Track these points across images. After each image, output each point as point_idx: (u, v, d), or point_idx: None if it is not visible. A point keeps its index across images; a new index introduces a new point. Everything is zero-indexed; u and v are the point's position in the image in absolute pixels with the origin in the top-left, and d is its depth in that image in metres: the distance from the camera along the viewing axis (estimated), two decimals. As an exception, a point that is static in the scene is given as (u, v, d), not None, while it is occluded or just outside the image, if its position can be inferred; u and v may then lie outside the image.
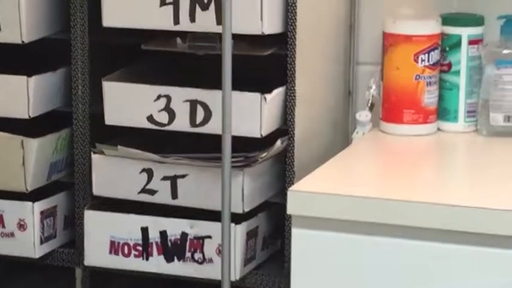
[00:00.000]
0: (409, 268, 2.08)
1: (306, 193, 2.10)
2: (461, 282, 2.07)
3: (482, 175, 2.28)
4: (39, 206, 2.47)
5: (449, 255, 2.05)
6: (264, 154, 2.33)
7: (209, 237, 2.36)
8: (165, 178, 2.39)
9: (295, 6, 2.29)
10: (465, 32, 2.49)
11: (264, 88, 2.30)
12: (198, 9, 2.29)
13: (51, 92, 2.52)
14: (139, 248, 2.42)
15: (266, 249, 2.47)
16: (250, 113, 2.29)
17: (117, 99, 2.40)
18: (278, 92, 2.33)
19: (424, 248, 2.06)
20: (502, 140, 2.46)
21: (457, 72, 2.51)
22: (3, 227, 2.48)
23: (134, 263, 2.43)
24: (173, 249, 2.39)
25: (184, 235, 2.38)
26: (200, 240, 2.37)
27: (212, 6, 2.28)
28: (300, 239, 2.11)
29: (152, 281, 2.52)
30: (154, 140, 2.45)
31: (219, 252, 2.31)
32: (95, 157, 2.44)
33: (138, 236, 2.41)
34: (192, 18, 2.30)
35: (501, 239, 1.99)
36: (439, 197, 2.10)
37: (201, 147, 2.39)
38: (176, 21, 2.31)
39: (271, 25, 2.28)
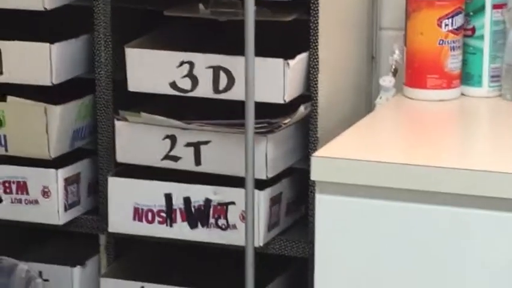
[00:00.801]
0: (433, 234, 2.08)
1: (329, 159, 2.10)
2: (486, 248, 2.07)
3: (506, 140, 2.27)
4: (63, 173, 2.48)
5: (473, 221, 2.05)
6: (288, 120, 2.33)
7: (233, 203, 2.36)
8: (188, 144, 2.39)
9: None
10: None
11: (287, 54, 2.29)
12: None
13: (73, 59, 2.52)
14: (163, 215, 2.43)
15: (290, 215, 2.47)
16: (274, 79, 2.29)
17: (140, 65, 2.41)
18: (301, 58, 2.32)
19: (448, 213, 2.06)
20: None
21: (481, 37, 2.50)
22: (27, 194, 2.49)
23: (158, 230, 2.45)
24: (197, 216, 2.40)
25: (207, 201, 2.39)
26: (224, 207, 2.38)
27: None
28: (324, 205, 2.11)
29: (176, 247, 2.54)
30: (177, 107, 2.44)
31: (243, 218, 2.31)
32: (118, 124, 2.45)
33: (161, 202, 2.42)
34: None
35: None
36: (463, 162, 2.10)
37: (224, 113, 2.39)
38: None
39: None
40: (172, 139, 2.40)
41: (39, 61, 2.45)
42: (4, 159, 2.52)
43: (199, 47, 2.40)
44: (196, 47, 2.40)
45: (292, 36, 2.39)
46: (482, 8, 2.49)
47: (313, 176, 2.11)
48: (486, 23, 2.50)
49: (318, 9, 2.31)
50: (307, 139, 2.38)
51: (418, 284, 2.11)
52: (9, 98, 2.48)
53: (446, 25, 2.45)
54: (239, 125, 2.28)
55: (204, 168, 2.39)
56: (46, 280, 2.45)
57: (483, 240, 2.04)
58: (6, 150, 2.49)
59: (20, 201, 2.51)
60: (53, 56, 2.44)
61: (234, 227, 2.38)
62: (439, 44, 2.46)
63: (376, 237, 2.11)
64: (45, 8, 2.40)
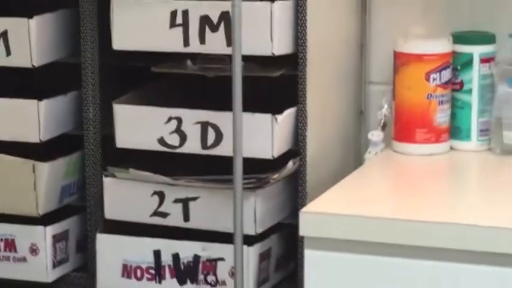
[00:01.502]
0: None
1: (318, 214, 2.11)
2: None
3: (496, 194, 2.27)
4: (51, 230, 2.48)
5: (462, 275, 2.06)
6: (276, 175, 2.33)
7: (222, 259, 2.36)
8: (176, 201, 2.40)
9: (305, 26, 2.32)
10: (476, 50, 2.50)
11: (275, 109, 2.32)
12: (207, 30, 2.31)
13: (62, 115, 2.54)
14: (152, 272, 2.43)
15: (279, 271, 2.48)
16: (262, 134, 2.30)
17: (128, 121, 2.42)
18: (289, 113, 2.34)
19: (437, 268, 2.07)
20: None
21: (469, 91, 2.52)
22: (15, 251, 2.49)
23: (147, 287, 2.46)
24: (186, 272, 2.40)
25: (196, 258, 2.39)
26: (213, 263, 2.38)
27: (222, 27, 2.30)
28: (313, 261, 2.11)
29: None
30: (165, 163, 2.46)
31: (232, 274, 2.31)
32: (106, 180, 2.46)
33: (150, 259, 2.43)
34: (202, 40, 2.32)
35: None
36: (452, 216, 2.10)
37: (212, 169, 2.39)
38: (186, 43, 2.33)
39: (281, 46, 2.29)
40: (161, 195, 2.41)
41: (27, 118, 2.46)
42: None
43: (187, 102, 2.42)
44: (184, 102, 2.41)
45: (280, 91, 2.41)
46: (470, 62, 2.51)
47: (302, 232, 2.09)
48: (474, 77, 2.52)
49: (305, 65, 2.33)
50: (295, 194, 2.39)
51: None
52: (1, 156, 2.48)
53: (434, 79, 2.47)
54: (227, 180, 2.27)
55: (192, 224, 2.40)
56: None
57: None
58: None
59: (8, 258, 2.51)
60: (41, 113, 2.45)
61: (224, 283, 2.38)
62: (428, 98, 2.48)
63: None
64: (33, 65, 2.43)
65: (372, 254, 2.08)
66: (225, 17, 2.28)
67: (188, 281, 2.41)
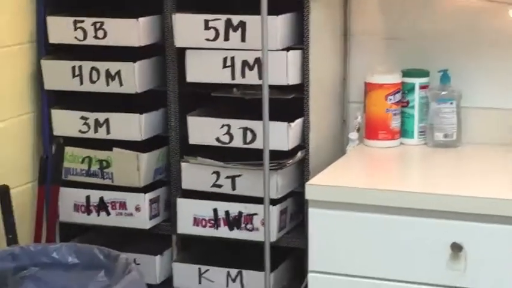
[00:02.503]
0: (384, 232, 2.08)
1: (317, 186, 2.15)
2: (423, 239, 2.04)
3: (430, 171, 2.32)
4: (149, 196, 2.49)
5: (412, 223, 2.04)
6: (290, 161, 2.36)
7: (256, 214, 2.37)
8: (227, 177, 2.40)
9: (308, 67, 2.32)
10: (417, 81, 2.49)
11: (289, 119, 2.33)
12: (246, 69, 2.31)
13: (154, 123, 2.53)
14: (212, 222, 2.43)
15: (292, 221, 2.48)
16: (281, 135, 2.31)
17: (197, 127, 2.42)
18: (298, 122, 2.35)
19: (397, 220, 2.07)
20: (441, 149, 2.46)
21: (412, 107, 2.51)
22: (126, 209, 2.50)
23: (209, 232, 2.45)
24: (233, 222, 2.41)
25: (240, 213, 2.40)
26: (250, 216, 2.39)
27: (256, 67, 2.29)
28: (313, 215, 2.14)
29: (220, 242, 2.51)
30: (220, 153, 2.44)
31: (263, 223, 2.32)
32: (183, 164, 2.45)
33: (211, 214, 2.43)
34: (243, 75, 2.32)
35: (437, 213, 2.02)
36: (405, 186, 2.12)
37: (250, 157, 2.39)
38: (233, 77, 2.33)
39: (293, 78, 2.31)
40: (217, 174, 2.41)
41: (133, 125, 2.46)
42: (111, 187, 2.52)
43: (234, 115, 2.41)
44: (232, 115, 2.41)
45: (293, 107, 2.38)
46: (413, 89, 2.50)
47: (307, 196, 2.14)
48: (415, 98, 2.50)
49: (308, 91, 2.34)
50: (302, 173, 2.40)
51: (381, 270, 2.09)
52: (114, 149, 2.51)
53: (390, 99, 2.46)
54: (259, 164, 2.29)
55: (237, 192, 2.40)
56: (138, 264, 2.39)
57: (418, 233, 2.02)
58: (112, 181, 2.51)
59: (121, 214, 2.51)
60: (141, 122, 2.46)
61: (257, 229, 2.38)
62: (386, 111, 2.47)
63: (349, 237, 2.11)
64: (136, 92, 2.44)
65: (353, 211, 2.09)
66: (258, 61, 2.27)
67: (235, 228, 2.41)
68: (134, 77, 2.40)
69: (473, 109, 2.50)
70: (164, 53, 2.44)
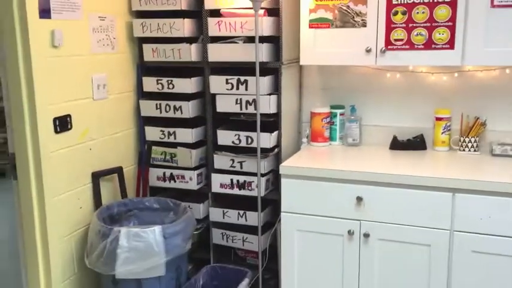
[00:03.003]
0: (323, 193, 2.06)
1: (286, 166, 2.13)
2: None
3: (345, 159, 2.24)
4: (196, 172, 2.41)
5: (335, 188, 2.05)
6: (271, 154, 2.35)
7: (253, 181, 2.34)
8: (238, 162, 2.36)
9: (281, 103, 2.28)
10: (338, 111, 2.44)
11: (271, 131, 2.29)
12: (248, 105, 2.27)
13: (199, 133, 2.44)
14: (230, 186, 2.38)
15: (272, 186, 2.43)
16: (266, 140, 2.28)
17: (222, 135, 2.35)
18: (275, 133, 2.32)
19: (329, 185, 2.04)
20: (353, 148, 2.40)
21: (336, 125, 2.44)
22: (184, 179, 2.44)
23: (228, 191, 2.38)
24: (241, 186, 2.37)
25: (244, 181, 2.36)
26: (250, 183, 2.35)
27: (253, 104, 2.25)
28: (284, 182, 2.13)
29: (234, 196, 2.40)
30: (234, 149, 2.38)
31: (256, 186, 2.31)
32: (214, 155, 2.40)
33: (229, 181, 2.38)
34: (246, 108, 2.28)
35: (349, 180, 2.01)
36: (331, 166, 2.09)
37: (250, 151, 2.35)
38: (241, 109, 2.28)
39: (273, 109, 2.27)
40: (233, 160, 2.37)
41: (188, 135, 2.38)
42: (175, 168, 2.44)
43: (241, 129, 2.35)
44: (240, 129, 2.35)
45: (273, 124, 2.32)
46: (336, 115, 2.41)
47: (281, 172, 2.13)
48: (337, 120, 2.44)
49: (281, 116, 2.30)
50: (277, 160, 2.35)
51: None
52: (179, 147, 2.45)
53: (324, 121, 2.41)
54: (255, 155, 2.27)
55: (244, 170, 2.36)
56: (191, 208, 2.33)
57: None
58: (177, 164, 2.44)
59: (182, 182, 2.44)
60: (193, 133, 2.39)
61: (254, 189, 2.34)
62: (322, 127, 2.42)
63: (302, 193, 2.09)
64: (190, 117, 2.35)
65: (303, 179, 2.07)
66: (254, 100, 2.24)
67: (242, 189, 2.36)
68: (189, 109, 2.38)
69: (368, 126, 2.47)
70: (205, 96, 2.41)
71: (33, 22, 1.86)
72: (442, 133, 2.30)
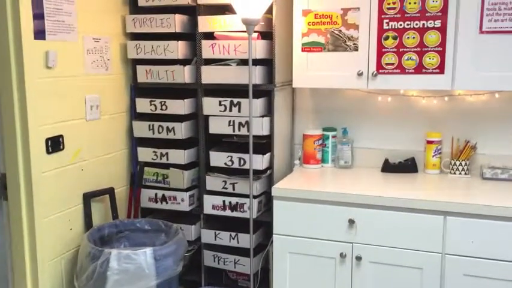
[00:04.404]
0: (314, 215, 2.05)
1: (278, 188, 2.12)
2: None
3: (336, 181, 2.22)
4: (188, 193, 2.41)
5: (326, 210, 2.05)
6: (264, 175, 2.35)
7: (245, 203, 2.33)
8: (230, 183, 2.36)
9: (273, 125, 2.28)
10: (330, 134, 2.46)
11: (263, 152, 2.29)
12: (241, 127, 2.27)
13: (192, 154, 2.45)
14: (222, 207, 2.36)
15: (265, 207, 2.42)
16: (259, 161, 2.27)
17: (214, 157, 2.34)
18: (268, 154, 2.32)
19: (320, 207, 2.04)
20: (345, 170, 2.40)
21: (328, 147, 2.46)
22: (176, 200, 2.43)
23: (220, 212, 2.37)
24: (233, 207, 2.36)
25: (237, 202, 2.35)
26: (242, 204, 2.34)
27: (246, 125, 2.24)
28: (276, 204, 2.12)
29: (225, 218, 2.40)
30: (226, 171, 2.37)
31: (248, 208, 2.30)
32: (207, 177, 2.39)
33: (221, 203, 2.37)
34: (239, 130, 2.27)
35: (341, 202, 2.01)
36: (323, 188, 2.08)
37: (242, 173, 2.36)
38: (233, 130, 2.28)
39: (265, 131, 2.27)
40: (225, 182, 2.36)
41: (180, 156, 2.38)
42: (168, 189, 2.44)
43: (234, 150, 2.34)
44: (233, 150, 2.34)
45: (266, 146, 2.32)
46: (328, 138, 2.46)
47: (273, 194, 2.12)
48: (330, 142, 2.46)
49: (274, 138, 2.29)
50: (270, 181, 2.35)
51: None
52: (171, 168, 2.44)
53: (316, 143, 2.43)
54: (247, 177, 2.27)
55: (236, 191, 2.35)
56: (182, 230, 2.32)
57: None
58: (169, 185, 2.44)
59: (173, 203, 2.42)
60: (185, 154, 2.39)
61: (246, 211, 2.33)
62: (314, 149, 2.43)
63: (293, 214, 2.08)
64: (182, 138, 2.34)
65: (295, 202, 2.06)
66: (247, 122, 2.24)
67: (234, 211, 2.35)
68: (181, 130, 2.38)
69: (360, 148, 2.48)
70: (197, 118, 2.42)
71: (28, 43, 1.86)
72: (433, 156, 2.32)
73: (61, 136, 2.07)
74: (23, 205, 1.94)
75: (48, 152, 2.00)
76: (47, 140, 2.00)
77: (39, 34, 1.91)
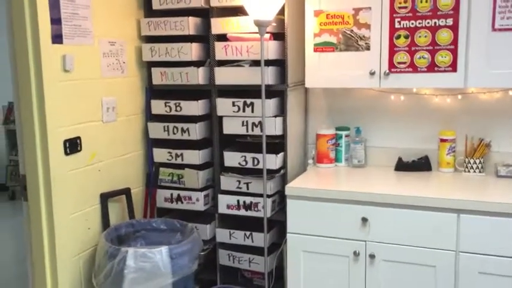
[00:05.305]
0: (328, 214, 2.06)
1: (292, 187, 2.14)
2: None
3: (350, 180, 2.24)
4: (203, 193, 2.43)
5: (340, 208, 2.05)
6: (277, 175, 2.35)
7: (259, 202, 2.34)
8: (244, 183, 2.37)
9: (286, 125, 2.29)
10: (343, 133, 2.46)
11: (277, 152, 2.30)
12: (254, 127, 2.26)
13: (206, 154, 2.45)
14: (236, 206, 2.38)
15: (278, 206, 2.42)
16: (272, 161, 2.28)
17: (228, 157, 2.34)
18: (281, 154, 2.32)
19: (334, 206, 2.04)
20: (358, 169, 2.41)
21: (341, 146, 2.46)
22: (191, 200, 2.44)
23: (234, 212, 2.39)
24: (247, 207, 2.37)
25: (251, 202, 2.36)
26: (256, 203, 2.35)
27: (259, 126, 2.25)
28: (290, 203, 2.13)
29: (240, 217, 2.41)
30: (240, 170, 2.38)
31: (262, 207, 2.30)
32: (221, 177, 2.40)
33: (236, 202, 2.38)
34: (252, 130, 2.28)
35: (354, 201, 2.02)
36: (337, 187, 2.11)
37: (256, 172, 2.35)
38: (247, 131, 2.29)
39: (278, 131, 2.28)
40: (239, 181, 2.38)
41: (195, 156, 2.40)
42: (184, 189, 2.45)
43: (248, 150, 2.35)
44: (247, 150, 2.35)
45: (279, 146, 2.32)
46: (341, 137, 2.46)
47: (286, 193, 2.13)
48: (343, 142, 2.43)
49: (287, 138, 2.31)
50: (283, 181, 2.35)
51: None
52: (186, 169, 2.45)
53: (329, 142, 2.44)
54: (261, 176, 2.26)
55: (250, 191, 2.36)
56: (197, 229, 2.29)
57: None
58: (184, 185, 2.45)
59: (188, 202, 2.43)
60: (200, 155, 2.41)
61: (260, 210, 2.34)
62: (327, 149, 2.44)
63: (307, 213, 2.09)
64: (197, 139, 2.37)
65: (308, 200, 2.07)
66: (260, 122, 2.25)
67: (248, 210, 2.36)
68: (196, 131, 2.39)
69: (373, 147, 2.48)
70: (211, 118, 2.43)
71: (46, 47, 1.90)
72: (447, 154, 2.31)
73: (78, 138, 2.10)
74: (42, 205, 1.98)
75: (66, 154, 2.03)
76: (65, 142, 2.03)
77: (57, 38, 1.96)
